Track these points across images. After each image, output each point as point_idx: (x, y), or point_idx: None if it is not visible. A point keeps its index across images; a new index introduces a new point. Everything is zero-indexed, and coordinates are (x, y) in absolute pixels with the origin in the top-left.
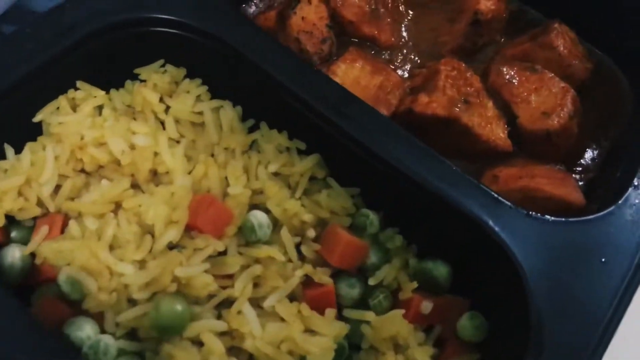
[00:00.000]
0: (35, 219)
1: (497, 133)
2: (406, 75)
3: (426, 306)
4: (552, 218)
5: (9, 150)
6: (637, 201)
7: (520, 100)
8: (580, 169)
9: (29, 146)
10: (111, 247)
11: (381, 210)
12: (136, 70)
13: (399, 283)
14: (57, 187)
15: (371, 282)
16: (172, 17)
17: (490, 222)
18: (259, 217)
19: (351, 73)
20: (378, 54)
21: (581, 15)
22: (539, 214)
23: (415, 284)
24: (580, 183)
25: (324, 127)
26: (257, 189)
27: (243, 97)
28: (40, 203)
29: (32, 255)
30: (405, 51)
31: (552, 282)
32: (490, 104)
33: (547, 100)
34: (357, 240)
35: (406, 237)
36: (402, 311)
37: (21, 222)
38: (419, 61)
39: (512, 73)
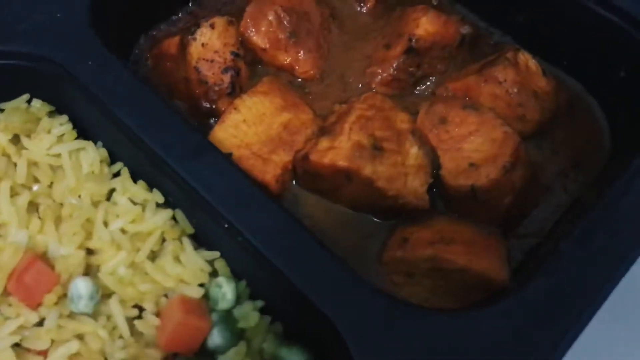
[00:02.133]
0: None
1: (411, 187)
2: (324, 111)
3: None
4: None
5: None
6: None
7: (449, 147)
8: (523, 232)
9: None
10: None
11: (245, 278)
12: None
13: None
14: None
15: None
16: (37, 53)
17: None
18: (79, 287)
19: (257, 108)
20: (296, 86)
21: (556, 37)
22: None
23: None
24: (517, 252)
25: (175, 181)
26: (97, 249)
27: (110, 139)
28: None
29: None
30: (328, 83)
31: None
32: (413, 150)
33: (480, 148)
34: (193, 319)
35: (272, 313)
36: None
37: None
38: (343, 94)
39: (445, 112)
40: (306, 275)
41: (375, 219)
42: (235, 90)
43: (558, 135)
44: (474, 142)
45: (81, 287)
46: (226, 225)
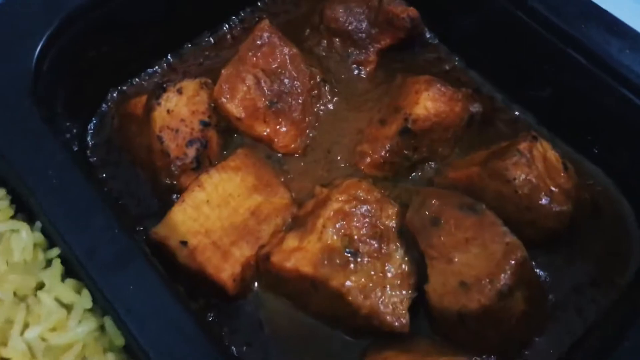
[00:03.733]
0: None
1: (388, 304)
2: (303, 195)
3: None
4: None
5: None
6: None
7: (439, 254)
8: None
9: None
10: None
11: None
12: None
13: None
14: None
15: None
16: None
17: None
18: None
19: (224, 188)
20: (275, 162)
21: (585, 119)
22: None
23: None
24: None
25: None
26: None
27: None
28: None
29: None
30: (312, 160)
31: None
32: (397, 254)
33: (474, 263)
34: None
35: None
36: None
37: None
38: (326, 175)
39: (439, 211)
40: None
41: (346, 336)
42: (203, 164)
43: (576, 242)
44: (468, 254)
45: None
46: None
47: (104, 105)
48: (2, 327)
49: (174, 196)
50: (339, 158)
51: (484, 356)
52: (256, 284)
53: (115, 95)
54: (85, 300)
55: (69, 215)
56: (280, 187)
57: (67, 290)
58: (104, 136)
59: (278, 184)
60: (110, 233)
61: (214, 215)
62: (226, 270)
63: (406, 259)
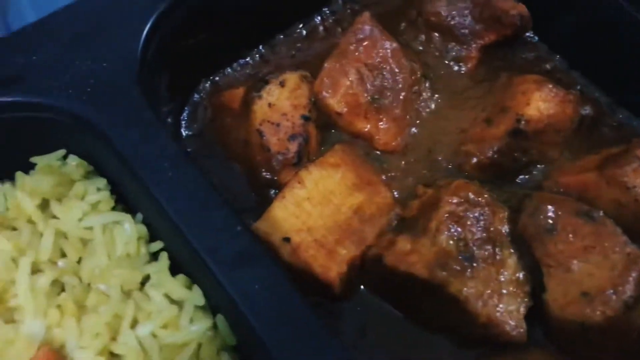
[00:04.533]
0: None
1: (506, 312)
2: (405, 195)
3: None
4: None
5: None
6: None
7: (556, 263)
8: None
9: None
10: None
11: None
12: (32, 159)
13: None
14: None
15: None
16: (75, 111)
17: None
18: None
19: (324, 185)
20: (373, 159)
21: None
22: None
23: None
24: None
25: (219, 285)
26: (121, 356)
27: (150, 213)
28: None
29: None
30: (412, 159)
31: None
32: (510, 261)
33: (596, 272)
34: None
35: None
36: None
37: None
38: (429, 175)
39: (557, 217)
40: None
41: (454, 345)
42: (302, 160)
43: None
44: (588, 263)
45: None
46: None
47: (196, 95)
48: (111, 322)
49: (272, 192)
50: (440, 158)
51: None
52: (361, 286)
53: (207, 85)
54: (196, 297)
55: (189, 210)
56: (381, 186)
57: (177, 286)
58: (196, 128)
59: (379, 183)
60: (232, 228)
61: (316, 213)
62: (333, 269)
63: (519, 265)
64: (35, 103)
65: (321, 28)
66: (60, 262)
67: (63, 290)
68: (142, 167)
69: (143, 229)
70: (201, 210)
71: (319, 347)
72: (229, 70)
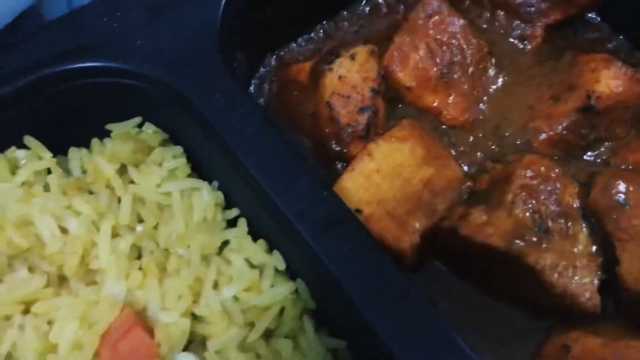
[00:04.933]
0: None
1: (580, 284)
2: (474, 169)
3: None
4: None
5: None
6: None
7: (629, 237)
8: None
9: None
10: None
11: None
12: (108, 126)
13: None
14: None
15: None
16: (157, 76)
17: None
18: None
19: (393, 158)
20: (441, 134)
21: None
22: None
23: None
24: None
25: (304, 253)
26: (204, 317)
27: (228, 180)
28: None
29: None
30: (480, 134)
31: None
32: (582, 235)
33: None
34: None
35: None
36: None
37: None
38: (497, 150)
39: (628, 192)
40: None
41: (524, 316)
42: (370, 133)
43: None
44: None
45: None
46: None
47: (262, 69)
48: (192, 285)
49: (339, 164)
50: (508, 134)
51: None
52: (432, 258)
53: (272, 60)
54: (278, 261)
55: (276, 175)
56: (450, 160)
57: (258, 251)
58: (262, 102)
59: (448, 157)
60: (319, 193)
61: (386, 185)
62: (405, 240)
63: (590, 239)
64: (118, 69)
65: (383, 5)
66: (138, 227)
67: (140, 255)
68: (227, 134)
69: (220, 196)
70: (288, 176)
71: (412, 308)
72: (294, 45)
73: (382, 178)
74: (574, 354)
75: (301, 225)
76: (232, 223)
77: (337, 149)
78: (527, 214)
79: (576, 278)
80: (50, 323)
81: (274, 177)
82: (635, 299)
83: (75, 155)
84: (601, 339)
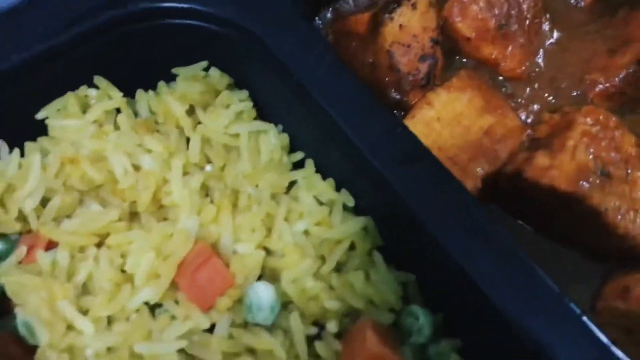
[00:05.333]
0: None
1: None
2: (530, 119)
3: None
4: None
5: (3, 148)
6: None
7: None
8: None
9: (26, 146)
10: (84, 288)
11: (441, 311)
12: (174, 70)
13: None
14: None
15: None
16: (227, 16)
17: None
18: (260, 295)
19: (453, 107)
20: (498, 85)
21: None
22: None
23: None
24: None
25: (378, 187)
26: (276, 251)
27: (293, 123)
28: (22, 217)
29: None
30: (536, 85)
31: None
32: None
33: None
34: (387, 353)
35: (469, 357)
36: None
37: (8, 235)
38: (553, 102)
39: None
40: (532, 312)
41: (585, 258)
42: (430, 82)
43: None
44: None
45: (263, 295)
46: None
47: (318, 20)
48: (264, 220)
49: (397, 113)
50: (564, 86)
51: None
52: (492, 202)
53: (328, 13)
54: (346, 198)
55: (351, 112)
56: (509, 110)
57: (326, 189)
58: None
59: (507, 107)
60: (395, 128)
61: (446, 133)
62: (469, 184)
63: None
64: (192, 10)
65: None
66: (207, 167)
67: (209, 195)
68: (302, 74)
69: (285, 139)
70: (363, 112)
71: (494, 240)
72: None
73: (442, 126)
74: (634, 295)
75: (377, 161)
76: (296, 166)
77: (397, 97)
78: (590, 157)
79: (638, 220)
80: (123, 256)
81: (349, 114)
82: None
83: (143, 97)
84: None
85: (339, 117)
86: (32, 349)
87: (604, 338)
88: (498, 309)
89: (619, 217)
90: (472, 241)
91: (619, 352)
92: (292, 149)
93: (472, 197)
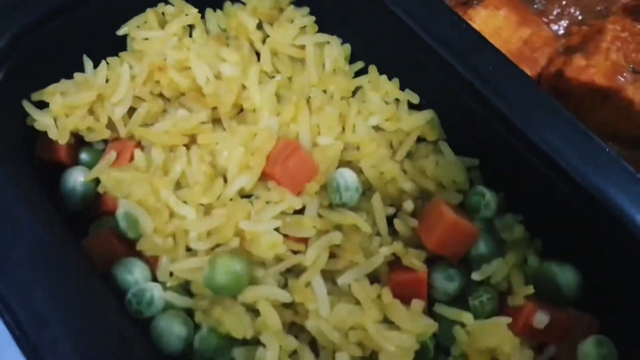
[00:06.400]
0: (107, 142)
1: None
2: (561, 32)
3: (541, 319)
4: None
5: (88, 64)
6: None
7: None
8: None
9: (109, 61)
10: (177, 186)
11: (502, 190)
12: None
13: (511, 284)
14: (134, 111)
15: (475, 277)
16: None
17: (634, 217)
18: (346, 177)
19: (492, 22)
20: (529, 3)
21: None
22: None
23: (531, 289)
24: None
25: (445, 79)
26: (352, 144)
27: (354, 35)
28: (111, 125)
29: (98, 182)
30: (564, 2)
31: None
32: None
33: None
34: (464, 222)
35: (530, 229)
36: (509, 320)
37: (93, 144)
38: (580, 17)
39: None
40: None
41: (621, 148)
42: (471, 1)
43: None
44: None
45: (348, 176)
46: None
47: None
48: (338, 118)
49: None
50: (588, 2)
51: None
52: None
53: None
54: (411, 95)
55: (419, 11)
56: (542, 23)
57: (392, 88)
58: None
59: (540, 20)
60: (459, 23)
61: None
62: None
63: None
64: None
65: None
66: (277, 76)
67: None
68: None
69: (347, 49)
70: (431, 9)
71: (556, 113)
72: None
73: None
74: None
75: (444, 52)
76: (357, 76)
77: None
78: (621, 57)
79: None
80: (212, 155)
81: (417, 13)
82: None
83: (212, 15)
84: None
85: (407, 17)
86: (131, 244)
87: None
88: (564, 170)
89: None
90: (538, 113)
91: None
92: (351, 61)
93: (533, 80)
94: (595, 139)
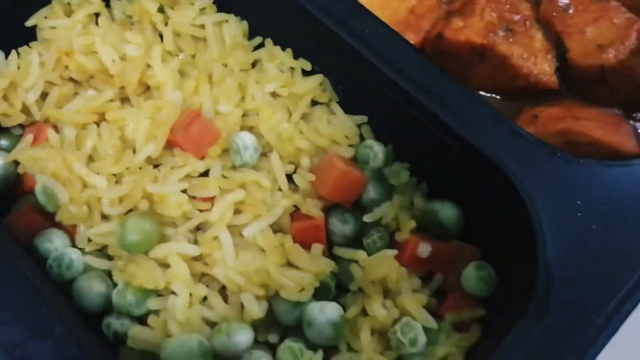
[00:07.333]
0: (24, 128)
1: (541, 67)
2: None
3: (423, 249)
4: (584, 159)
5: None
6: None
7: (574, 31)
8: None
9: (19, 51)
10: (90, 159)
11: (390, 143)
12: None
13: (399, 223)
14: (46, 96)
15: (367, 219)
16: None
17: (507, 160)
18: (244, 138)
19: None
20: None
21: None
22: (567, 154)
23: (413, 223)
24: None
25: (331, 45)
26: (252, 110)
27: (250, 12)
28: (26, 110)
29: (17, 165)
30: None
31: (572, 235)
32: (538, 35)
33: (606, 33)
34: (354, 171)
35: (417, 175)
36: (394, 252)
37: (10, 130)
38: None
39: (569, 1)
40: (475, 129)
41: (501, 100)
42: None
43: None
44: (599, 27)
45: (247, 138)
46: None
47: None
48: (237, 88)
49: None
50: None
51: (614, 108)
52: None
53: None
54: (304, 64)
55: None
56: None
57: (286, 58)
58: None
59: None
60: None
61: (377, 14)
62: None
63: (544, 39)
64: None
65: None
66: (180, 55)
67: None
68: None
69: (245, 26)
70: None
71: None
72: None
73: (375, 10)
74: (541, 119)
75: (329, 20)
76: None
77: None
78: (495, 17)
79: (537, 63)
80: (121, 129)
81: None
82: (582, 75)
83: (117, 4)
84: (560, 108)
85: None
86: (51, 216)
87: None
88: (445, 123)
89: (522, 60)
90: (424, 76)
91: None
92: (251, 36)
93: (413, 45)
94: (470, 89)
